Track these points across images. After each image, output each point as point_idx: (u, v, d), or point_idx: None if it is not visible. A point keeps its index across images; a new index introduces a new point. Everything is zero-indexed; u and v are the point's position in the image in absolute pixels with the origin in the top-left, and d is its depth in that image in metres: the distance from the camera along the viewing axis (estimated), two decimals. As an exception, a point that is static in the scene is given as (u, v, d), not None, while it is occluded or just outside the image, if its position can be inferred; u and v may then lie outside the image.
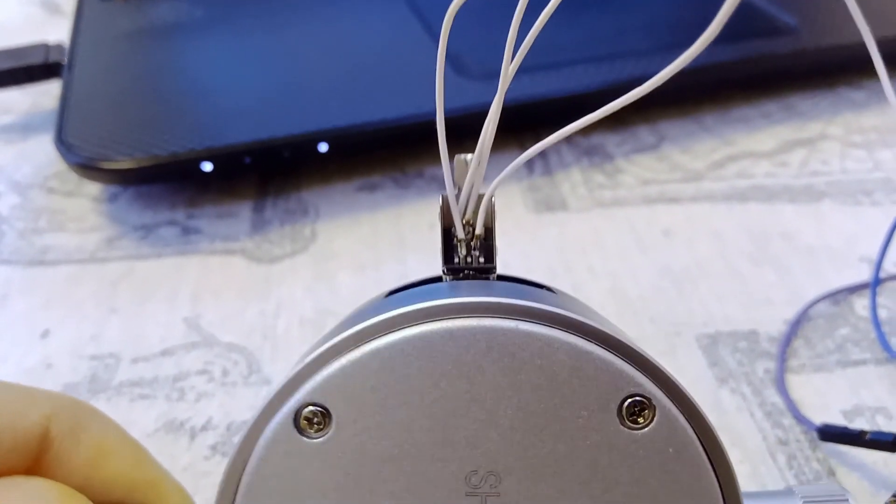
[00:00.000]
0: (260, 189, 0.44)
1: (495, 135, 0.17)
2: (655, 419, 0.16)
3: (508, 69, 0.16)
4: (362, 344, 0.16)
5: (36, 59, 0.49)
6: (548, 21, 0.16)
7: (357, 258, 0.39)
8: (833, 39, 0.49)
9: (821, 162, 0.44)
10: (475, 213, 0.18)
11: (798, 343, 0.33)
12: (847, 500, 0.19)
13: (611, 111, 0.16)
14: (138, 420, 0.31)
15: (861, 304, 0.35)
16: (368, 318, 0.16)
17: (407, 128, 0.42)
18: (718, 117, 0.48)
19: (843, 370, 0.32)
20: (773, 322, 0.34)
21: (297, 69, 0.47)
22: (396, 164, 0.45)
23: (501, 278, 0.19)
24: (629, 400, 0.16)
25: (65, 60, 0.48)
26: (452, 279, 0.19)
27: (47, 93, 0.52)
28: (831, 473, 0.28)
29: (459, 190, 0.18)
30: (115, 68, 0.48)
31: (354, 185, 0.44)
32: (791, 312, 0.34)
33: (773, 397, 0.31)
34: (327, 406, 0.16)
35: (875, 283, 0.34)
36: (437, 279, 0.19)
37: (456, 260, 0.19)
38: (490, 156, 0.17)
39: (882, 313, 0.34)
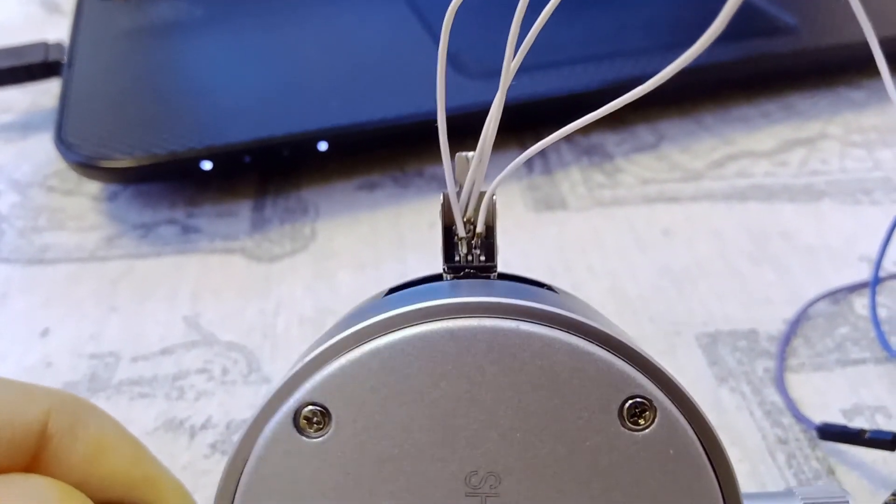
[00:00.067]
0: (260, 188, 0.44)
1: (495, 134, 0.17)
2: (656, 420, 0.16)
3: (510, 67, 0.16)
4: (362, 343, 0.16)
5: (36, 58, 0.49)
6: (547, 20, 0.16)
7: (357, 257, 0.39)
8: (833, 39, 0.49)
9: (820, 161, 0.44)
10: (476, 211, 0.18)
11: (798, 342, 0.33)
12: (847, 501, 0.19)
13: (611, 110, 0.16)
14: (138, 419, 0.31)
15: (860, 303, 0.35)
16: (368, 317, 0.16)
17: (406, 127, 0.42)
18: (718, 117, 0.48)
19: (842, 369, 0.32)
20: (773, 321, 0.34)
21: (297, 68, 0.47)
22: (396, 163, 0.45)
23: (502, 277, 0.19)
24: (630, 401, 0.16)
25: (64, 59, 0.48)
26: (453, 277, 0.19)
27: (47, 92, 0.52)
28: (831, 472, 0.28)
29: (460, 188, 0.18)
30: (115, 67, 0.48)
31: (354, 184, 0.44)
32: (791, 311, 0.34)
33: (773, 396, 0.31)
34: (327, 406, 0.16)
35: (874, 283, 0.34)
36: (438, 277, 0.19)
37: (457, 258, 0.19)
38: (490, 155, 0.17)
39: (881, 312, 0.34)
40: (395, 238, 0.40)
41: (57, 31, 0.56)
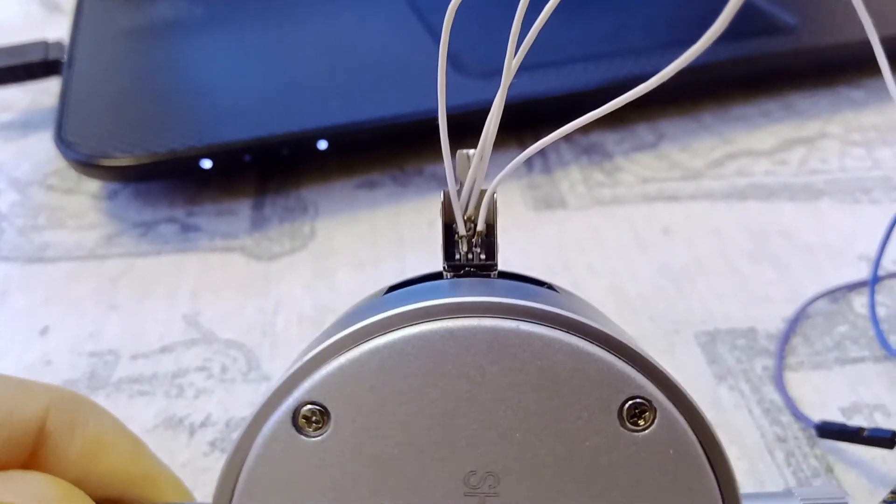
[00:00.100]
0: (259, 186, 0.44)
1: (496, 131, 0.17)
2: (656, 421, 0.16)
3: (511, 64, 0.16)
4: (361, 343, 0.16)
5: (35, 57, 0.49)
6: (547, 19, 0.16)
7: (356, 256, 0.39)
8: (833, 38, 0.49)
9: (820, 160, 0.44)
10: (477, 209, 0.18)
11: (797, 340, 0.33)
12: (846, 501, 0.19)
13: (611, 109, 0.16)
14: (137, 416, 0.31)
15: (860, 301, 0.35)
16: (368, 316, 0.16)
17: (406, 126, 0.42)
18: (718, 116, 0.48)
19: (841, 367, 0.32)
20: (772, 320, 0.34)
21: (297, 67, 0.47)
22: (396, 162, 0.45)
23: (502, 275, 0.19)
24: (630, 402, 0.16)
25: (64, 58, 0.48)
26: (453, 276, 0.19)
27: (47, 91, 0.52)
28: (829, 470, 0.28)
29: (461, 186, 0.18)
30: (115, 66, 0.48)
31: (354, 183, 0.44)
32: (790, 310, 0.34)
33: (772, 394, 0.31)
34: (326, 405, 0.16)
35: (873, 281, 0.34)
36: (438, 275, 0.19)
37: (457, 256, 0.19)
38: (491, 152, 0.17)
39: (880, 311, 0.34)
40: (394, 237, 0.40)
41: (57, 30, 0.56)
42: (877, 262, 0.33)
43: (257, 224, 0.41)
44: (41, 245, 0.40)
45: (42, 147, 0.48)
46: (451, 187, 0.18)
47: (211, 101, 0.44)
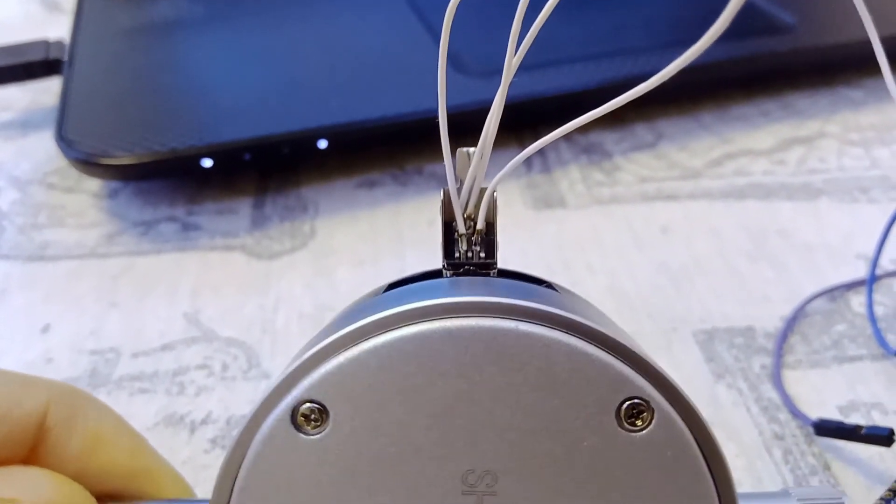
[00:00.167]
0: (260, 185, 0.44)
1: (497, 129, 0.17)
2: (653, 422, 0.16)
3: (512, 62, 0.16)
4: (361, 342, 0.16)
5: (36, 56, 0.49)
6: (547, 18, 0.16)
7: (356, 254, 0.39)
8: (832, 38, 0.49)
9: (818, 160, 0.44)
10: (476, 207, 0.18)
11: (794, 339, 0.33)
12: (842, 501, 0.19)
13: (611, 108, 0.16)
14: (138, 414, 0.31)
15: (857, 300, 0.35)
16: (367, 315, 0.16)
17: (406, 125, 0.42)
18: (717, 115, 0.48)
19: (839, 366, 0.32)
20: (770, 318, 0.34)
21: (297, 66, 0.47)
22: (395, 161, 0.45)
23: (502, 273, 0.19)
24: (627, 402, 0.16)
25: (65, 57, 0.48)
26: (453, 274, 0.19)
27: (47, 90, 0.52)
28: (827, 468, 0.28)
29: (461, 184, 0.18)
30: (116, 65, 0.48)
31: (354, 182, 0.44)
32: (788, 309, 0.35)
33: (770, 393, 0.31)
34: (325, 403, 0.16)
35: (871, 280, 0.34)
36: (438, 273, 0.19)
37: (456, 255, 0.19)
38: (491, 150, 0.17)
39: (878, 310, 0.34)
40: (394, 236, 0.40)
41: (57, 29, 0.56)
42: (874, 262, 0.33)
43: (258, 223, 0.41)
44: (42, 243, 0.41)
45: (42, 146, 0.48)
46: (451, 185, 0.18)
47: (211, 100, 0.44)
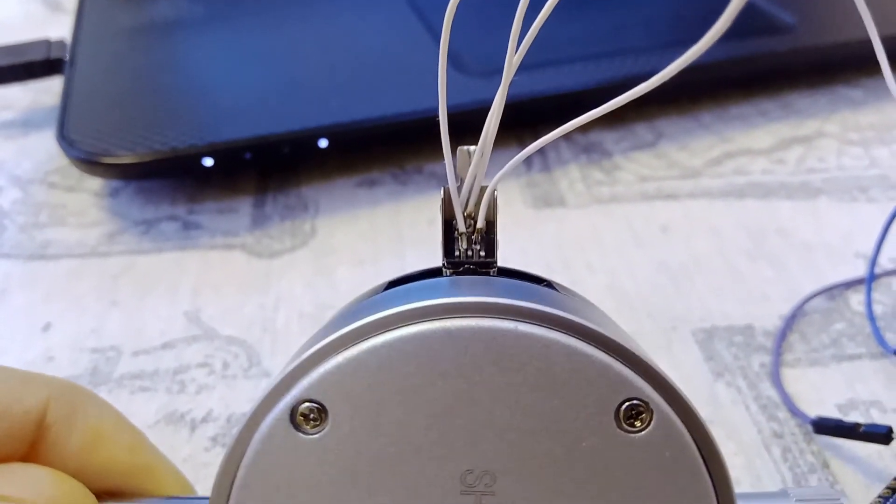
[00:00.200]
0: (260, 185, 0.44)
1: (497, 127, 0.17)
2: (652, 423, 0.16)
3: (513, 60, 0.16)
4: (360, 341, 0.16)
5: (37, 56, 0.49)
6: (547, 17, 0.16)
7: (356, 253, 0.39)
8: (831, 38, 0.50)
9: (817, 159, 0.44)
10: (477, 206, 0.18)
11: (793, 338, 0.33)
12: (840, 501, 0.19)
13: (612, 108, 0.16)
14: (139, 412, 0.31)
15: (856, 299, 0.35)
16: (367, 314, 0.16)
17: (406, 124, 0.42)
18: (716, 115, 0.49)
19: (838, 364, 0.32)
20: (769, 317, 0.34)
21: (297, 66, 0.47)
22: (395, 161, 0.45)
23: (502, 272, 0.19)
24: (627, 403, 0.16)
25: (66, 57, 0.49)
26: (452, 273, 0.19)
27: (48, 90, 0.52)
28: (826, 466, 0.28)
29: (461, 182, 0.18)
30: (117, 64, 0.48)
31: (354, 181, 0.44)
32: (787, 307, 0.35)
33: (769, 391, 0.31)
34: (324, 403, 0.16)
35: (870, 279, 0.34)
36: (438, 271, 0.19)
37: (457, 253, 0.19)
38: (492, 148, 0.17)
39: (877, 308, 0.35)
40: (394, 235, 0.40)
41: (58, 29, 0.56)
42: (873, 260, 0.33)
43: (258, 222, 0.42)
44: (43, 242, 0.41)
45: (43, 145, 0.48)
46: (452, 184, 0.18)
47: (212, 99, 0.44)
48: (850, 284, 0.36)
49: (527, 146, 0.17)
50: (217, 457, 0.29)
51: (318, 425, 0.16)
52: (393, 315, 0.16)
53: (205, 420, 0.31)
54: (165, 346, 0.34)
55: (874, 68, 0.16)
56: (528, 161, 0.45)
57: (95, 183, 0.44)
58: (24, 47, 0.50)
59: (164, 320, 0.36)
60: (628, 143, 0.46)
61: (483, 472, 0.16)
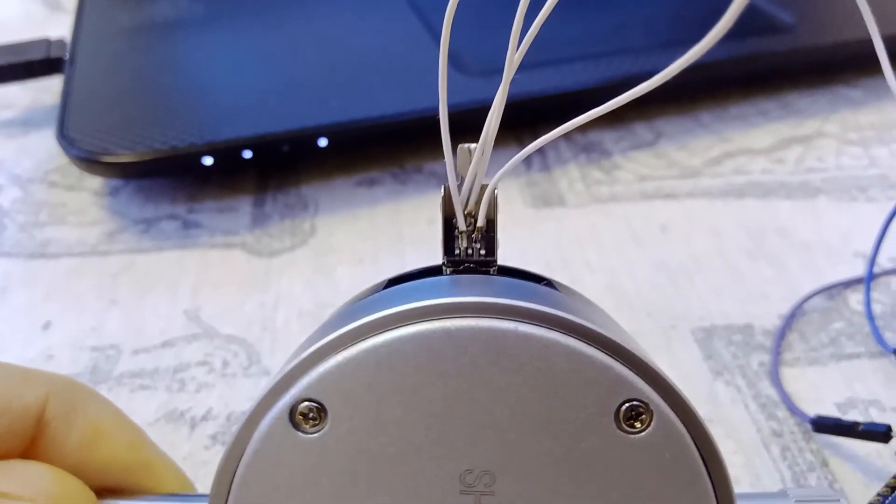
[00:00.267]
0: (260, 184, 0.44)
1: (498, 125, 0.17)
2: (652, 424, 0.16)
3: (514, 58, 0.16)
4: (360, 341, 0.16)
5: (37, 55, 0.49)
6: (547, 16, 0.16)
7: (356, 252, 0.39)
8: (831, 38, 0.50)
9: (817, 159, 0.45)
10: (477, 204, 0.18)
11: (793, 337, 0.34)
12: (840, 501, 0.19)
13: (613, 108, 0.16)
14: (139, 410, 0.31)
15: (855, 298, 0.35)
16: (367, 313, 0.16)
17: (406, 123, 0.42)
18: (716, 115, 0.49)
19: (836, 363, 0.32)
20: (768, 316, 0.34)
21: (297, 65, 0.47)
22: (395, 160, 0.45)
23: (502, 271, 0.19)
24: (626, 404, 0.16)
25: (66, 56, 0.49)
26: (452, 271, 0.19)
27: (48, 89, 0.52)
28: (825, 465, 0.28)
29: (462, 181, 0.18)
30: (117, 64, 0.48)
31: (353, 181, 0.44)
32: (786, 307, 0.35)
33: (768, 390, 0.31)
34: (323, 402, 0.16)
35: (869, 278, 0.34)
36: (438, 270, 0.19)
37: (457, 252, 0.19)
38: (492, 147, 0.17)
39: (876, 308, 0.35)
40: (393, 234, 0.40)
41: (58, 28, 0.56)
42: (872, 260, 0.33)
43: (258, 221, 0.42)
44: (43, 241, 0.41)
45: (43, 144, 0.48)
46: (452, 182, 0.18)
47: (212, 98, 0.44)
48: (849, 284, 0.36)
49: (526, 145, 0.17)
50: (217, 455, 0.29)
51: (317, 424, 0.16)
52: (393, 315, 0.16)
53: (204, 418, 0.31)
54: (165, 344, 0.34)
55: (874, 68, 0.16)
56: (527, 160, 0.45)
57: (95, 182, 0.45)
58: (24, 46, 0.50)
59: (163, 319, 0.36)
60: (628, 142, 0.47)
61: (482, 472, 0.16)
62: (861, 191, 0.42)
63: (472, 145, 0.17)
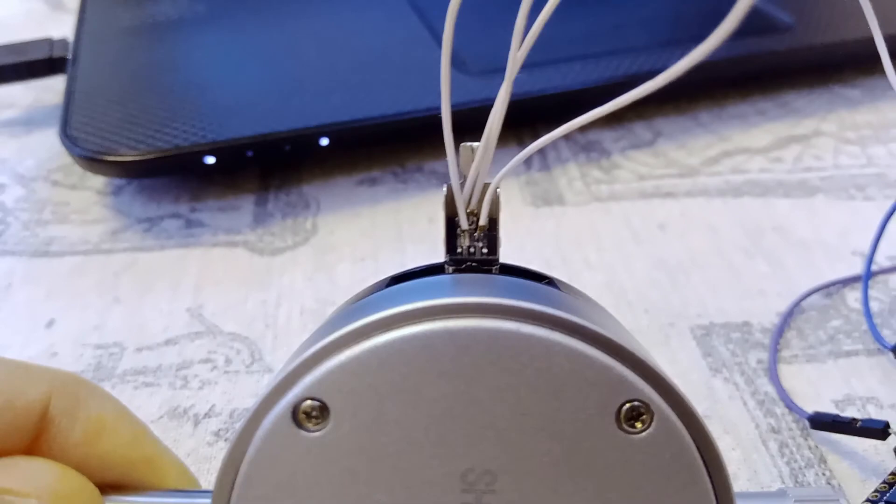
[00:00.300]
0: (262, 182, 0.45)
1: (501, 123, 0.17)
2: (653, 424, 0.16)
3: (517, 55, 0.16)
4: (362, 340, 0.16)
5: (40, 55, 0.49)
6: (550, 13, 0.16)
7: (357, 251, 0.39)
8: (829, 38, 0.50)
9: (814, 158, 0.45)
10: (479, 203, 0.18)
11: (791, 334, 0.34)
12: (839, 501, 0.19)
13: (615, 108, 0.16)
14: (142, 407, 0.31)
15: (853, 296, 0.35)
16: (369, 313, 0.16)
17: (407, 123, 0.42)
18: (714, 114, 0.49)
19: (834, 361, 0.32)
20: (767, 314, 0.35)
21: (299, 64, 0.47)
22: (396, 159, 0.46)
23: (504, 269, 0.19)
24: (627, 404, 0.16)
25: (69, 55, 0.49)
26: (454, 270, 0.19)
27: (51, 88, 0.52)
28: (822, 461, 0.29)
29: (464, 179, 0.18)
30: (119, 63, 0.48)
31: (355, 180, 0.45)
32: (784, 304, 0.35)
33: (766, 387, 0.31)
34: (325, 401, 0.16)
35: (867, 276, 0.34)
36: (440, 268, 0.19)
37: (459, 250, 0.19)
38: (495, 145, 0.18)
39: (874, 305, 0.35)
40: (394, 232, 0.41)
41: (59, 28, 0.56)
42: (870, 258, 0.34)
43: (260, 219, 0.42)
44: (46, 239, 0.41)
45: (46, 143, 0.48)
46: (454, 181, 0.18)
47: (214, 97, 0.44)
48: (846, 282, 0.36)
49: (526, 145, 0.17)
50: (220, 451, 0.30)
51: (319, 423, 0.16)
52: (395, 314, 0.16)
53: (208, 415, 0.31)
54: (168, 342, 0.35)
55: (871, 68, 0.17)
56: (527, 160, 0.45)
57: (98, 181, 0.45)
58: (27, 46, 0.50)
59: (166, 316, 0.36)
60: (627, 141, 0.47)
61: (484, 472, 0.16)
62: (859, 189, 0.42)
63: (475, 144, 0.17)
